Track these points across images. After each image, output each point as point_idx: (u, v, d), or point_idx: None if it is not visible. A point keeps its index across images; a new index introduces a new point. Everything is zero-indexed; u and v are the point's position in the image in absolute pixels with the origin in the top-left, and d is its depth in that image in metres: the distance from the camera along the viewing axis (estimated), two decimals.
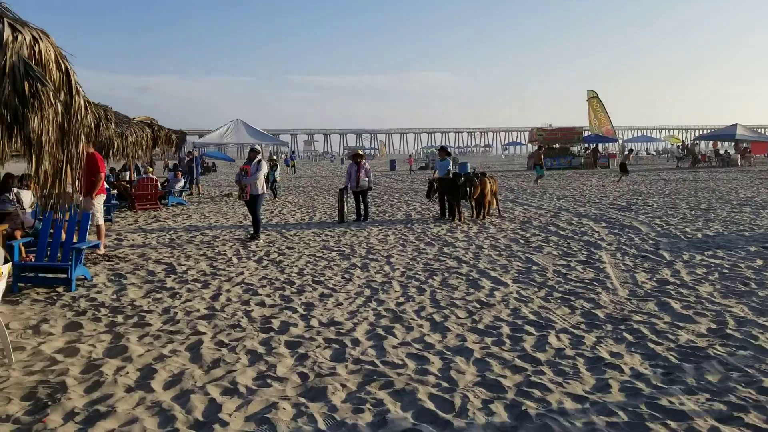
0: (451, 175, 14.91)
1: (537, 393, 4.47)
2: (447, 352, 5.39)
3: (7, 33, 3.61)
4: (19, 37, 3.67)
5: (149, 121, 17.61)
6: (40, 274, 8.01)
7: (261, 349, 5.49)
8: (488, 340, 5.71)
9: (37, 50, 3.73)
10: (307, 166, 68.62)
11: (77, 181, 4.24)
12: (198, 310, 6.79)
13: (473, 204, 14.85)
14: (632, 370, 4.89)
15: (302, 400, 4.40)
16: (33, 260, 8.30)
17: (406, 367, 5.02)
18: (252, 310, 6.78)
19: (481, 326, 6.13)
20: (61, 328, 6.16)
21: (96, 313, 6.71)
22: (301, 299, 7.25)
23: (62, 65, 3.91)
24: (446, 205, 15.12)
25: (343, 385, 4.65)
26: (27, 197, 10.60)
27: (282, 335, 5.88)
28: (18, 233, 9.47)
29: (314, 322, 6.31)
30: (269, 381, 4.76)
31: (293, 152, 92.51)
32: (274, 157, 24.31)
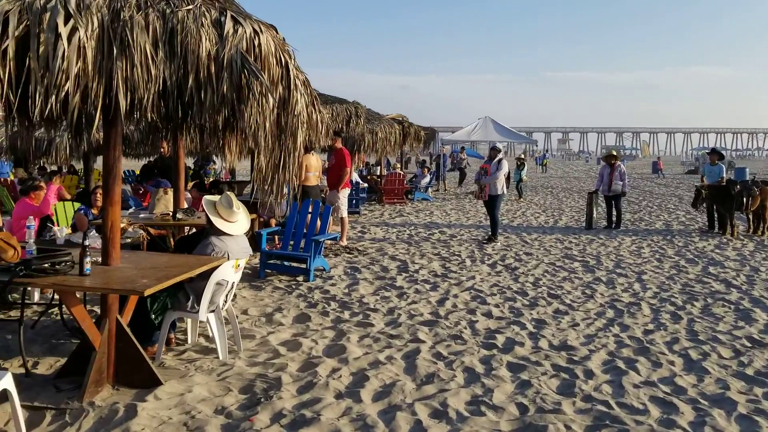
0: (723, 183, 12.94)
1: None
2: (702, 400, 4.39)
3: (228, 26, 3.61)
4: (240, 29, 3.64)
5: (400, 118, 18.08)
6: (285, 263, 8.44)
7: (480, 368, 4.99)
8: (758, 390, 4.56)
9: (256, 43, 3.67)
10: (559, 165, 66.37)
11: (295, 177, 4.13)
12: (422, 314, 6.52)
13: (750, 217, 12.74)
14: None
15: None
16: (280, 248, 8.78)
17: (647, 414, 4.16)
18: (477, 321, 6.31)
19: (749, 371, 4.95)
20: (292, 319, 6.30)
21: (326, 306, 6.78)
22: (532, 314, 6.61)
23: (282, 59, 3.81)
24: (716, 216, 13.17)
25: (568, 427, 3.96)
26: None
27: (505, 354, 5.32)
28: (272, 222, 10.16)
29: (543, 343, 5.64)
30: (483, 409, 4.24)
31: (546, 151, 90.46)
32: (522, 156, 23.61)
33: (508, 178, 13.87)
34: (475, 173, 12.14)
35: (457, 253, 10.29)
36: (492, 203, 11.37)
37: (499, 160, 11.42)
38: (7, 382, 3.48)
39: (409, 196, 19.67)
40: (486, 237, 11.74)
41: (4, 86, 3.23)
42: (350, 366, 4.98)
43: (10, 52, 3.22)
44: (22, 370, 4.63)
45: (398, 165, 22.81)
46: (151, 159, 15.84)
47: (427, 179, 21.70)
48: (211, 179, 18.57)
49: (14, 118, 4.28)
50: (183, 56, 3.51)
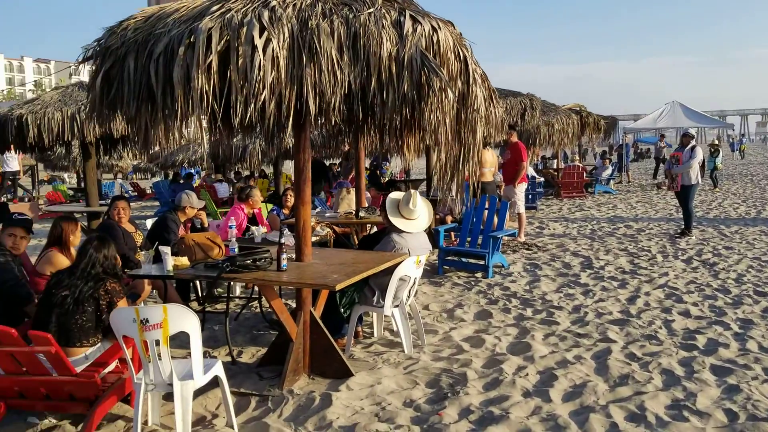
0: None
1: None
2: None
3: (408, 25, 3.65)
4: (419, 28, 3.67)
5: (577, 108, 17.36)
6: (463, 259, 8.44)
7: (679, 371, 4.63)
8: None
9: (435, 40, 3.69)
10: (759, 150, 59.96)
11: (474, 173, 4.10)
12: (610, 313, 6.18)
13: None
14: None
15: None
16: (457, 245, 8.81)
17: None
18: (673, 320, 5.86)
19: None
20: (473, 315, 6.27)
21: (507, 303, 6.67)
22: (736, 313, 6.01)
23: (460, 54, 3.79)
24: None
25: None
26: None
27: (707, 356, 4.88)
28: (449, 219, 10.21)
29: (752, 345, 5.10)
30: (685, 414, 3.92)
31: (743, 135, 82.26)
32: (716, 142, 21.61)
33: (702, 167, 12.79)
34: (666, 162, 11.31)
35: (646, 248, 9.64)
36: (685, 194, 10.51)
37: (692, 147, 10.52)
38: (218, 370, 3.81)
39: (590, 190, 18.80)
40: (679, 230, 10.89)
41: (209, 98, 3.53)
42: (536, 364, 4.84)
43: (214, 66, 3.52)
44: (229, 359, 5.06)
45: (576, 157, 21.90)
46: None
47: (608, 171, 20.59)
48: (387, 178, 19.15)
49: (219, 127, 4.69)
50: (366, 58, 3.62)
